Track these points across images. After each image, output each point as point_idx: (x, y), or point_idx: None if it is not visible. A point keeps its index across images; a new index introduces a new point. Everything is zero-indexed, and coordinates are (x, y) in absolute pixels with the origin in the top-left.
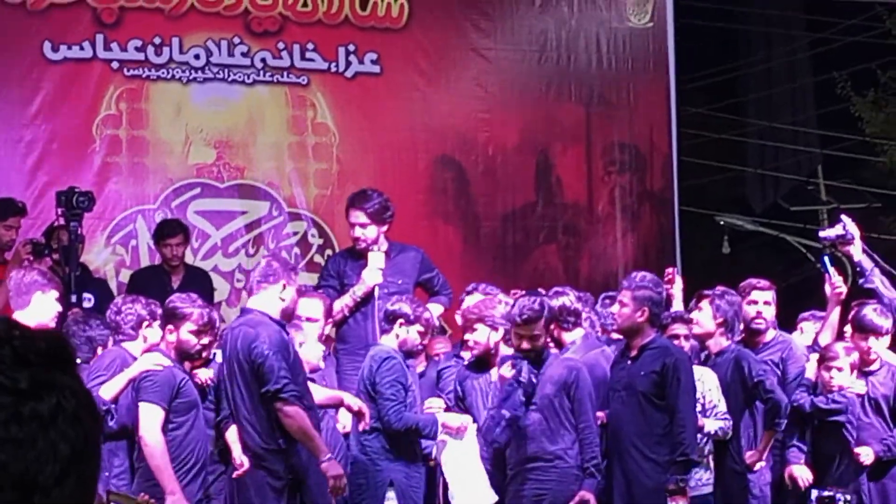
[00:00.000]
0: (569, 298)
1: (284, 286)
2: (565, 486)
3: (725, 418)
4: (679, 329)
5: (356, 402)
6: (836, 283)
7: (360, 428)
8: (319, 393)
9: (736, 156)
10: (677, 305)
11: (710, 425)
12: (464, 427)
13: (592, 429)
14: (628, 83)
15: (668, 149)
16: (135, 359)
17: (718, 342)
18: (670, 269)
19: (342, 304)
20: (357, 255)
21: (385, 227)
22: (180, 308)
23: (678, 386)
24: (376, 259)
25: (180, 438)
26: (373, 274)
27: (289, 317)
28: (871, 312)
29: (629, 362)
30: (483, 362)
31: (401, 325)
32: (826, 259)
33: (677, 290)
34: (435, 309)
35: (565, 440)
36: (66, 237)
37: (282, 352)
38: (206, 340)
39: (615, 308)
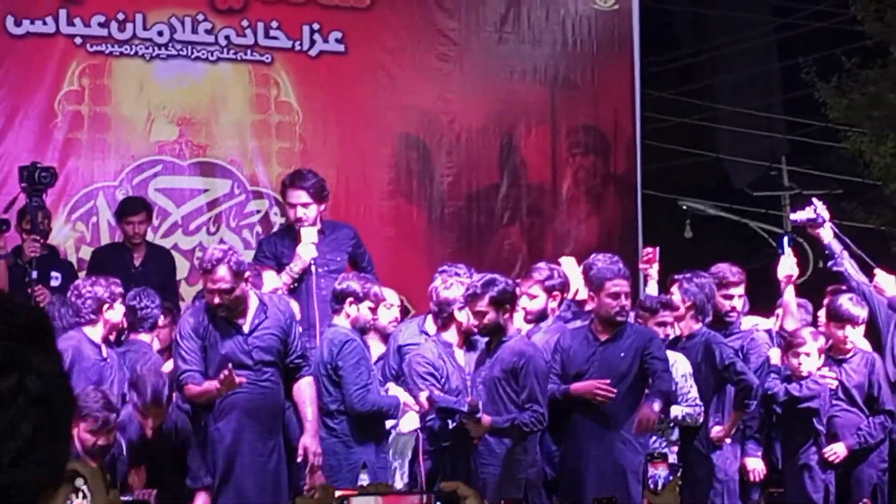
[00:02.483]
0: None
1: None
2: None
3: (696, 405)
4: (666, 317)
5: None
6: (786, 265)
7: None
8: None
9: (700, 140)
10: (652, 287)
11: (678, 410)
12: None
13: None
14: (593, 65)
15: (632, 132)
16: (94, 344)
17: (689, 325)
18: (649, 249)
19: (280, 282)
20: (292, 235)
21: (323, 206)
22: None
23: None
24: (309, 234)
25: None
26: (307, 248)
27: None
28: (846, 301)
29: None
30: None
31: (350, 303)
32: (786, 239)
33: (655, 270)
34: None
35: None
36: (40, 215)
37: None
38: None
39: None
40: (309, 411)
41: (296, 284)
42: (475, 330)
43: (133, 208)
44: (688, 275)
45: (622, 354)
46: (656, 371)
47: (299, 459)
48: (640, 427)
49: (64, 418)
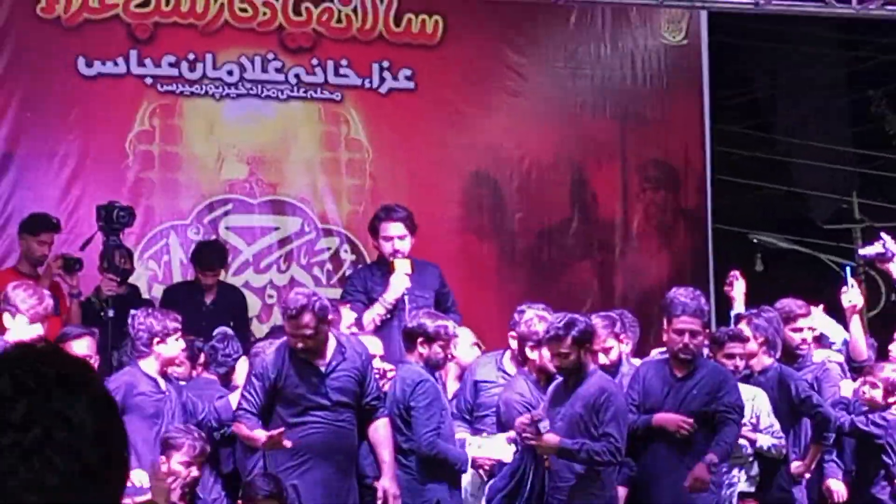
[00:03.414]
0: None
1: None
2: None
3: (781, 437)
4: (735, 348)
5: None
6: (849, 296)
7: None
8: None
9: (770, 174)
10: (738, 307)
11: (764, 441)
12: (487, 467)
13: (614, 437)
14: (662, 99)
15: (701, 166)
16: (149, 378)
17: (761, 361)
18: (733, 272)
19: (374, 313)
20: (383, 269)
21: (413, 240)
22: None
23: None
24: (403, 265)
25: None
26: (401, 280)
27: None
28: None
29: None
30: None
31: (421, 343)
32: (848, 270)
33: (738, 292)
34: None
35: None
36: (118, 255)
37: None
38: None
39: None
40: (386, 453)
41: (388, 316)
42: (553, 370)
43: (210, 263)
44: (754, 311)
45: (694, 392)
46: (724, 421)
47: (379, 503)
48: (692, 486)
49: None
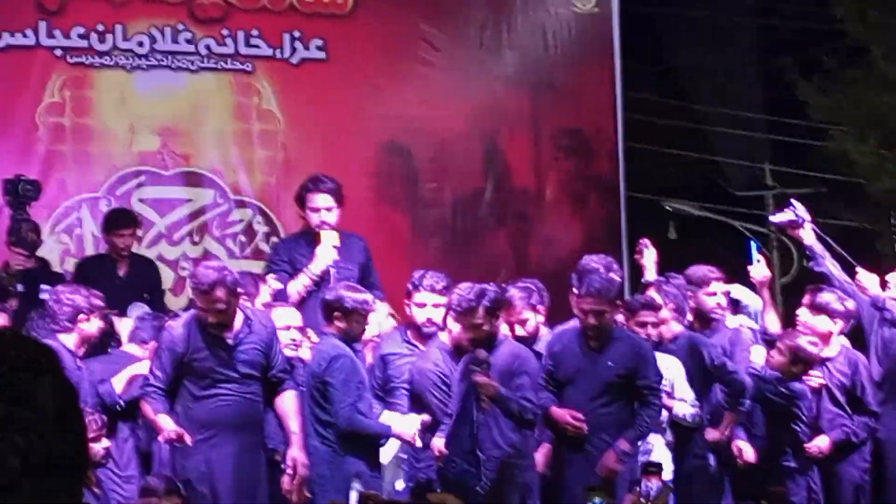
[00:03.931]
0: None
1: None
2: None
3: (695, 405)
4: (648, 317)
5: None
6: (757, 270)
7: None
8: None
9: (684, 142)
10: (650, 275)
11: (680, 408)
12: (413, 438)
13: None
14: (574, 68)
15: (613, 134)
16: (70, 352)
17: (671, 328)
18: (643, 240)
19: (299, 284)
20: (307, 239)
21: (340, 210)
22: None
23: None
24: (330, 237)
25: None
26: (328, 252)
27: None
28: (829, 296)
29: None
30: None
31: (338, 317)
32: (753, 245)
33: (649, 260)
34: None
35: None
36: (24, 228)
37: None
38: None
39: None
40: (294, 423)
41: (313, 288)
42: (465, 342)
43: (123, 223)
44: (663, 278)
45: (610, 364)
46: (644, 402)
47: (288, 471)
48: (603, 474)
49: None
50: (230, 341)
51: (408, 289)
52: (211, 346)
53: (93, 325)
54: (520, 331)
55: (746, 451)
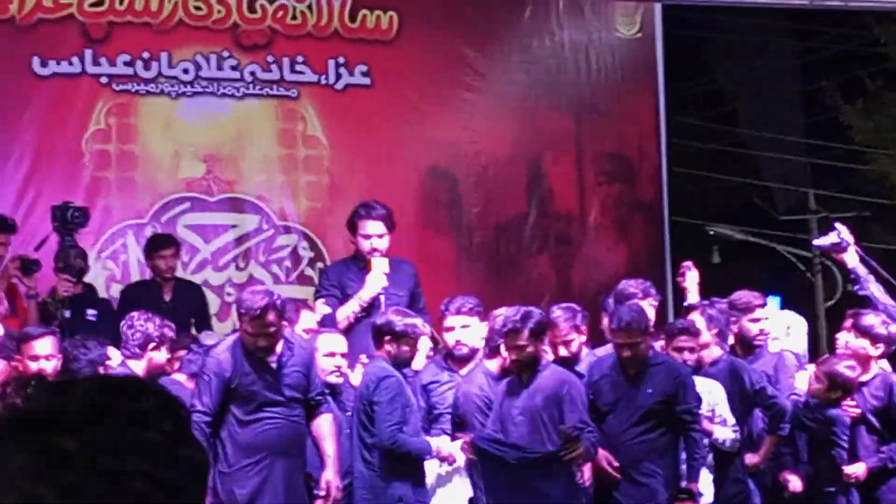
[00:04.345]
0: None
1: None
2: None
3: (736, 430)
4: (686, 342)
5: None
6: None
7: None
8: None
9: (726, 165)
10: (692, 298)
11: (721, 433)
12: (453, 457)
13: (590, 425)
14: (617, 93)
15: (657, 158)
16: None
17: (712, 352)
18: (685, 263)
19: (349, 310)
20: (358, 265)
21: (391, 236)
22: None
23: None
24: (381, 264)
25: None
26: (378, 278)
27: None
28: (874, 319)
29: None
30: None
31: (388, 340)
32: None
33: (691, 283)
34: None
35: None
36: (73, 254)
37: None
38: None
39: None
40: (329, 446)
41: (362, 315)
42: (509, 363)
43: (163, 243)
44: (706, 302)
45: (649, 391)
46: (688, 433)
47: (322, 493)
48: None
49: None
50: (274, 365)
51: (440, 316)
52: (257, 371)
53: (162, 355)
54: (563, 351)
55: (793, 482)
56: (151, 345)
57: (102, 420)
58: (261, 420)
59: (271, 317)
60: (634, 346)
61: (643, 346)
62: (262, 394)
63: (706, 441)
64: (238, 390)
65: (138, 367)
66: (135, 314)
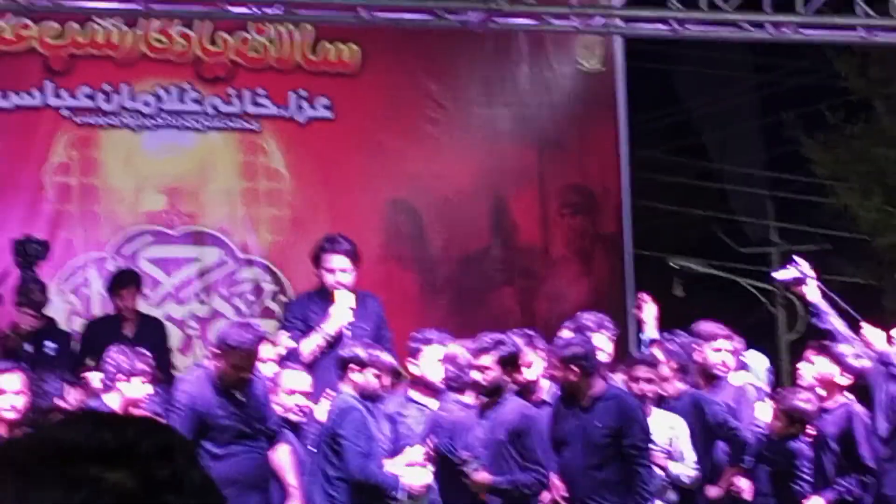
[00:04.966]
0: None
1: None
2: None
3: (696, 468)
4: (643, 372)
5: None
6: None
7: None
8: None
9: (688, 198)
10: (650, 330)
11: (678, 469)
12: (423, 489)
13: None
14: (579, 125)
15: (618, 191)
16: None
17: (674, 386)
18: (641, 295)
19: (313, 343)
20: (322, 298)
21: (356, 271)
22: None
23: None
24: (345, 298)
25: None
26: (343, 312)
27: None
28: (846, 347)
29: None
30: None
31: (353, 370)
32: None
33: (648, 315)
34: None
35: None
36: (34, 289)
37: None
38: None
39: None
40: (291, 477)
41: (328, 349)
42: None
43: (123, 282)
44: (666, 335)
45: (597, 423)
46: (632, 467)
47: None
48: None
49: None
50: (242, 398)
51: (411, 348)
52: (228, 404)
53: (134, 388)
54: (528, 373)
55: (746, 488)
56: (119, 376)
57: (166, 456)
58: (234, 454)
59: (258, 352)
60: (566, 377)
61: (575, 377)
62: (234, 427)
63: (661, 476)
64: (210, 424)
65: (112, 401)
66: (111, 347)
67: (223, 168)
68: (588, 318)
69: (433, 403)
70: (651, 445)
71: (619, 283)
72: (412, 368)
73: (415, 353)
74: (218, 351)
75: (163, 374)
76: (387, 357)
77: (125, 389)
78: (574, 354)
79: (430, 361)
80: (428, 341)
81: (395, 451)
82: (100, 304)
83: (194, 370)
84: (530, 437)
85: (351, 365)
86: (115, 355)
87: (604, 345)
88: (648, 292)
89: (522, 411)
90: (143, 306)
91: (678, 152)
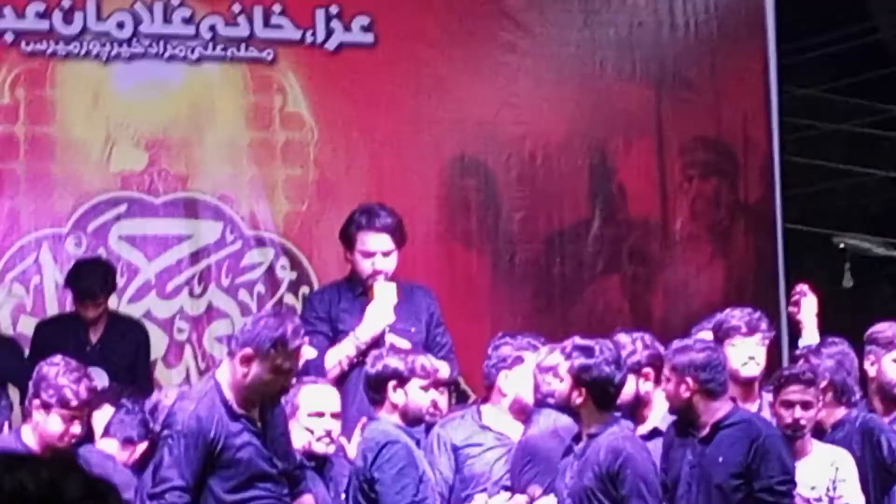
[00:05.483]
0: None
1: None
2: None
3: None
4: (797, 394)
5: None
6: None
7: None
8: None
9: (864, 155)
10: (809, 335)
11: None
12: None
13: None
14: (712, 57)
15: (767, 145)
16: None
17: (831, 413)
18: (799, 288)
19: (342, 353)
20: (355, 291)
21: (400, 254)
22: None
23: None
24: (386, 291)
25: None
26: (382, 310)
27: None
28: None
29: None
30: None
31: (394, 387)
32: None
33: (807, 314)
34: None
35: None
36: None
37: None
38: None
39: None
40: None
41: (358, 360)
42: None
43: (88, 290)
44: (813, 346)
45: (719, 459)
46: None
47: None
48: None
49: None
50: (259, 425)
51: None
52: (246, 432)
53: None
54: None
55: None
56: (35, 402)
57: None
58: (252, 500)
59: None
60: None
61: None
62: (253, 463)
63: None
64: (222, 458)
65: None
66: (42, 364)
67: (224, 113)
68: (735, 316)
69: (515, 430)
70: (798, 490)
71: (767, 271)
72: (503, 384)
73: (510, 364)
74: (255, 353)
75: (141, 392)
76: (439, 365)
77: (41, 420)
78: (691, 363)
79: (526, 376)
80: (534, 347)
81: (462, 500)
82: (56, 299)
83: (199, 385)
84: (624, 481)
85: (389, 381)
86: (56, 378)
87: (756, 353)
88: (807, 281)
89: (612, 445)
90: (115, 301)
91: (851, 91)
